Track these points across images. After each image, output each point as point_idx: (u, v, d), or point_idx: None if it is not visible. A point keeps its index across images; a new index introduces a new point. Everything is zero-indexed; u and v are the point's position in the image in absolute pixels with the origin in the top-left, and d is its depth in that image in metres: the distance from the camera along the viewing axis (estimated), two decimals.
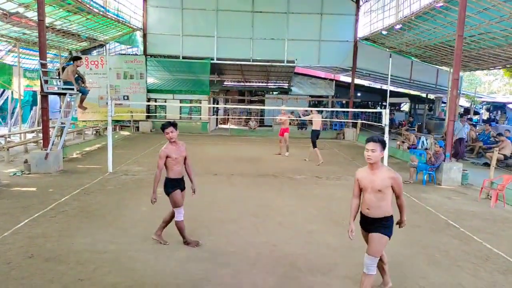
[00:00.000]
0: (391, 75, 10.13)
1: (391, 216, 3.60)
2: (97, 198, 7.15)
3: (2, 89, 19.15)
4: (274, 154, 13.12)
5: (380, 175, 3.48)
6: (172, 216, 5.04)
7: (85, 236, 5.26)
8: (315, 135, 11.75)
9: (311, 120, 12.24)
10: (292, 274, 4.34)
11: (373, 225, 3.58)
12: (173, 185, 4.90)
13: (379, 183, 3.46)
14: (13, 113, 17.82)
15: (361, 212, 3.72)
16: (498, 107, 28.64)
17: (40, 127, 11.23)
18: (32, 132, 15.27)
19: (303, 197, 7.75)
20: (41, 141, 10.24)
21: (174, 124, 4.81)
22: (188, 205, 6.87)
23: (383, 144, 3.51)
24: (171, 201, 4.94)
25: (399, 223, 3.84)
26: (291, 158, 12.54)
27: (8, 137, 13.00)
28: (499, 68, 19.73)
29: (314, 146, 11.68)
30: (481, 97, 29.24)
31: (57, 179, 8.64)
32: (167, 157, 4.78)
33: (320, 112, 13.14)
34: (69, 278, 4.07)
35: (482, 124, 21.67)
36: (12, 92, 16.73)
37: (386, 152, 9.65)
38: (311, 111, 12.53)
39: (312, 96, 23.06)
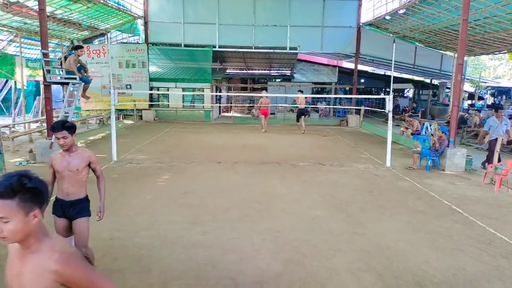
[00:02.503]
0: (394, 61, 10.04)
1: None
2: None
3: (5, 79, 19.16)
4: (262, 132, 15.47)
5: None
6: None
7: (91, 223, 5.28)
8: (300, 112, 15.71)
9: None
10: (296, 260, 4.39)
11: None
12: (54, 207, 3.64)
13: None
14: (16, 103, 17.87)
15: None
16: (503, 92, 28.39)
17: (44, 117, 11.28)
18: (36, 121, 15.32)
19: (307, 183, 7.78)
20: (45, 130, 10.30)
21: (69, 127, 3.41)
22: (192, 192, 6.95)
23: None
24: None
25: None
26: (295, 145, 12.59)
27: (13, 127, 13.08)
28: (504, 53, 19.46)
29: (297, 120, 15.86)
30: (485, 82, 28.95)
31: None
32: (52, 166, 3.56)
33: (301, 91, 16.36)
34: None
35: (487, 109, 21.51)
36: (15, 82, 16.75)
37: (389, 138, 9.69)
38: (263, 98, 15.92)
39: (315, 83, 22.91)
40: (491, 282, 3.98)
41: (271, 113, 21.74)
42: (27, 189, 1.44)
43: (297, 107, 16.29)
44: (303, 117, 15.70)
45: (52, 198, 3.45)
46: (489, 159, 9.26)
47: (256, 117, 20.92)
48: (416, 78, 27.62)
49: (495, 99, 28.73)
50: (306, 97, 16.76)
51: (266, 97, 15.92)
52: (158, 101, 19.82)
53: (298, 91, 16.21)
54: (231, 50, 20.07)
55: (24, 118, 14.99)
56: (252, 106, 22.35)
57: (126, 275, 3.97)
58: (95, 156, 3.68)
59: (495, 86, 29.25)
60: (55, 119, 10.17)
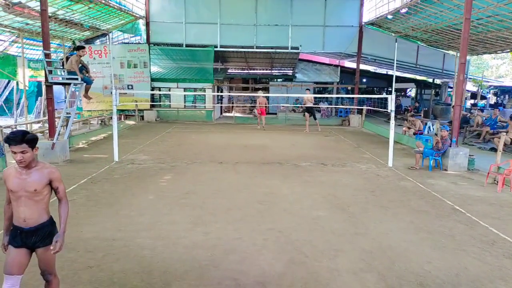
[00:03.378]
0: (397, 60, 10.01)
1: None
2: (104, 187, 7.22)
3: (7, 80, 19.22)
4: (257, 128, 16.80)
5: None
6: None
7: (93, 224, 5.33)
8: (307, 110, 16.34)
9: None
10: (298, 260, 4.38)
11: None
12: (12, 235, 2.99)
13: None
14: (18, 103, 17.92)
15: None
16: (505, 91, 28.29)
17: (46, 118, 11.30)
18: (38, 122, 15.36)
19: (309, 184, 7.77)
20: (47, 131, 10.31)
21: (29, 140, 2.80)
22: (194, 193, 6.95)
23: None
24: None
25: None
26: (296, 145, 12.58)
27: (15, 128, 13.10)
28: (507, 52, 19.36)
29: (314, 118, 16.41)
30: (488, 82, 28.87)
31: (64, 168, 8.71)
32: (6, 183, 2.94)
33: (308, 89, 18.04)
34: (79, 265, 4.15)
35: (490, 108, 21.44)
36: (17, 83, 16.79)
37: (391, 138, 9.66)
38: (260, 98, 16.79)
39: (317, 83, 22.86)
40: (494, 283, 3.95)
41: (273, 113, 21.85)
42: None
43: (298, 106, 16.97)
44: (307, 115, 16.27)
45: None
46: None
47: (256, 116, 20.96)
48: (418, 77, 27.53)
49: (498, 98, 28.63)
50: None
51: (263, 96, 16.58)
52: (160, 102, 19.83)
53: (306, 89, 17.23)
54: (232, 50, 20.06)
55: (26, 119, 15.03)
56: (254, 106, 22.34)
57: (128, 275, 3.97)
58: (59, 172, 3.01)
59: (498, 85, 29.16)
60: (57, 120, 10.18)
